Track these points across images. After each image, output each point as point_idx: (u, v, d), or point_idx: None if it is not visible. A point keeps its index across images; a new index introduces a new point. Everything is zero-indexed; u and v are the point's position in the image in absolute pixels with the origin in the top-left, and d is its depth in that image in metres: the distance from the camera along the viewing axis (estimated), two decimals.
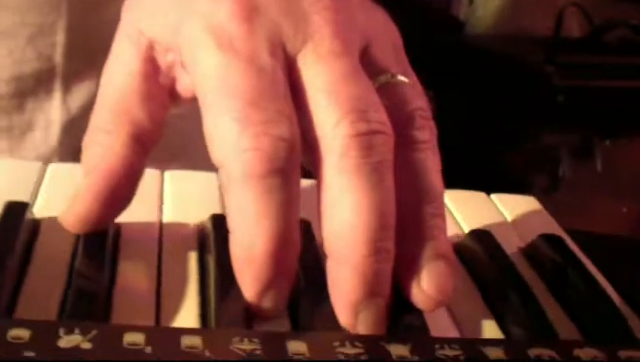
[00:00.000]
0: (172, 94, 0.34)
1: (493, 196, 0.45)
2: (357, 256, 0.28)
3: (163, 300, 0.31)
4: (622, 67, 1.51)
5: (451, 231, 0.38)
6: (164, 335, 0.26)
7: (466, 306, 0.33)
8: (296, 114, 0.30)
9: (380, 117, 0.30)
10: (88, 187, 0.32)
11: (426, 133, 0.32)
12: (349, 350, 0.26)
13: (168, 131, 0.35)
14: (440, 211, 0.31)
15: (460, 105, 1.47)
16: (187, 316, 0.30)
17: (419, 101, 0.33)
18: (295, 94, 0.30)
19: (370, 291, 0.28)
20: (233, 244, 0.29)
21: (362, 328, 0.29)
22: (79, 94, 0.54)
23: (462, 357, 0.26)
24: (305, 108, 0.30)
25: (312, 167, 0.31)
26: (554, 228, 0.41)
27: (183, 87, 0.34)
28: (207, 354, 0.25)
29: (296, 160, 0.29)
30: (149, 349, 0.25)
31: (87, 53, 0.51)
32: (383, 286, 0.29)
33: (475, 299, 0.34)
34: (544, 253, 0.37)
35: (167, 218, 0.37)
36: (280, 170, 0.28)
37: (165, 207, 0.38)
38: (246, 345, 0.26)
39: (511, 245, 0.38)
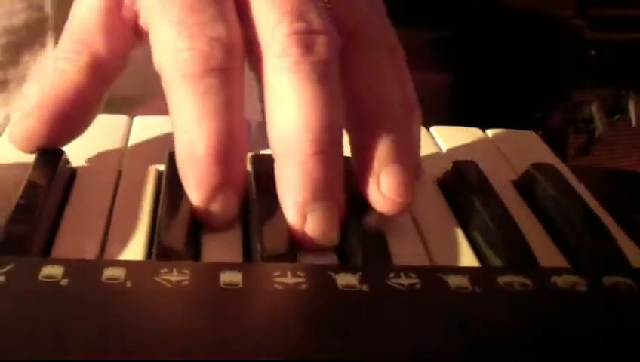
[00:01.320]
0: (135, 30, 0.33)
1: (489, 131, 0.42)
2: (301, 153, 0.28)
3: (110, 235, 0.29)
4: None
5: (441, 166, 0.35)
6: (85, 268, 0.23)
7: (443, 238, 0.30)
8: (240, 21, 0.30)
9: (323, 19, 0.29)
10: (36, 107, 0.32)
11: (379, 42, 0.32)
12: (289, 279, 0.23)
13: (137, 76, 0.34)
14: (395, 117, 0.30)
15: (488, 61, 1.42)
16: (133, 251, 0.28)
17: (371, 11, 0.32)
18: (239, 3, 0.30)
19: (318, 192, 0.28)
20: (176, 148, 0.29)
21: (312, 231, 0.28)
22: None
23: (418, 286, 0.23)
24: (247, 13, 0.30)
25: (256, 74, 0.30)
26: (553, 161, 0.38)
27: (143, 20, 0.33)
28: (128, 285, 0.23)
29: (236, 61, 0.29)
30: (65, 281, 0.23)
31: None
32: (332, 189, 0.28)
33: (454, 230, 0.31)
34: (536, 182, 0.33)
35: (129, 162, 0.35)
36: (217, 69, 0.28)
37: (129, 152, 0.36)
38: (174, 276, 0.23)
39: (501, 177, 0.35)
